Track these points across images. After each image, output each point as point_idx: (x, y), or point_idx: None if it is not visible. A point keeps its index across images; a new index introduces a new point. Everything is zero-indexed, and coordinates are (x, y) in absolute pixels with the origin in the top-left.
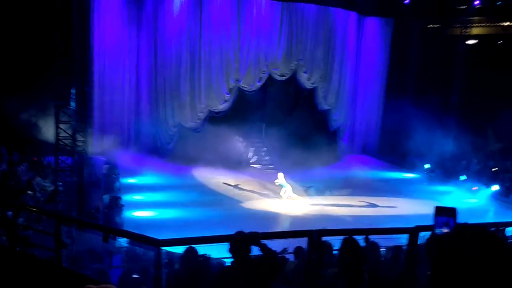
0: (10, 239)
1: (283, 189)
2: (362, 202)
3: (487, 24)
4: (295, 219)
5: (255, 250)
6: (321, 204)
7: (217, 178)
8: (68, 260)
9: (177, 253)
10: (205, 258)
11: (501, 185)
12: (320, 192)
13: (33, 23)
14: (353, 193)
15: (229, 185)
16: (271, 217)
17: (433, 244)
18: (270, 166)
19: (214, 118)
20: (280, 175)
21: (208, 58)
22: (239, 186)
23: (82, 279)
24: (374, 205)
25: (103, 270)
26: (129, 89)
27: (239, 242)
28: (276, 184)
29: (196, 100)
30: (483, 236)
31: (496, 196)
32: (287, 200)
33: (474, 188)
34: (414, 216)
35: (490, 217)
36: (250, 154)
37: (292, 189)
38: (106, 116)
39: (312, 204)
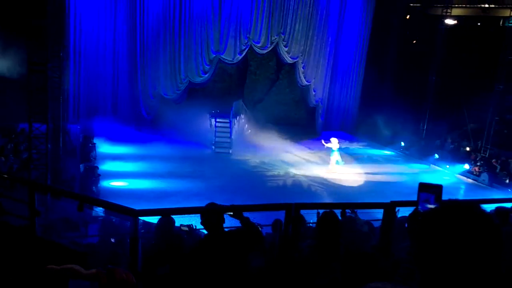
0: None
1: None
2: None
3: (467, 6)
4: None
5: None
6: None
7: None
8: (42, 229)
9: (154, 223)
10: (190, 229)
11: (472, 165)
12: None
13: None
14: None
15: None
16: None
17: (416, 220)
18: (229, 150)
19: (194, 91)
20: (334, 139)
21: (189, 27)
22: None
23: (55, 247)
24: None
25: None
26: (106, 56)
27: (210, 214)
28: (325, 145)
29: (176, 71)
30: (471, 212)
31: (466, 175)
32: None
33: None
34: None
35: (461, 196)
36: (214, 135)
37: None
38: (82, 84)
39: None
